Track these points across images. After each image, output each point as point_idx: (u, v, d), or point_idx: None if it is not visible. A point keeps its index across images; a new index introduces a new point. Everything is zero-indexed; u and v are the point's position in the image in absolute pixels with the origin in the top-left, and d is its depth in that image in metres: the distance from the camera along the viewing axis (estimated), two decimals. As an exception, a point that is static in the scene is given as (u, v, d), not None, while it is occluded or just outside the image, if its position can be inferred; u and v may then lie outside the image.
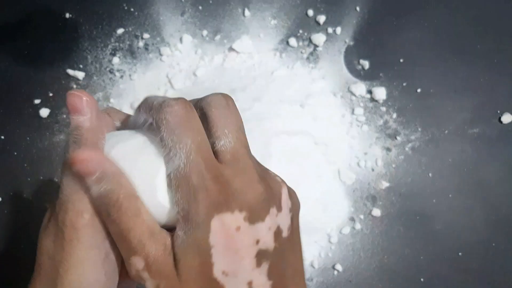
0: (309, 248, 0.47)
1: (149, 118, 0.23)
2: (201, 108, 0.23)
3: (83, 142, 0.22)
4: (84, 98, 0.23)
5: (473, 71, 0.51)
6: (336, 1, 0.52)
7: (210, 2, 0.52)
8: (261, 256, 0.22)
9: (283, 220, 0.23)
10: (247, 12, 0.51)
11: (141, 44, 0.51)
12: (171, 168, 0.21)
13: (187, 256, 0.21)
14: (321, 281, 0.47)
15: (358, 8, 0.51)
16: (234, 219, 0.21)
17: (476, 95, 0.50)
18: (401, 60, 0.51)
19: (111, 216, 0.21)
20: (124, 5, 0.51)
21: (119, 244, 0.22)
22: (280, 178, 0.25)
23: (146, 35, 0.51)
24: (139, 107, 0.24)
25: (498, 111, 0.50)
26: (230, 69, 0.50)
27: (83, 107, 0.23)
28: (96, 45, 0.50)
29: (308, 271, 0.47)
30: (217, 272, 0.21)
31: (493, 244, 0.47)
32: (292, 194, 0.25)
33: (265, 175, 0.23)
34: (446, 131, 0.50)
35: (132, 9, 0.51)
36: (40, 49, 0.50)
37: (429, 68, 0.51)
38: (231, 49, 0.51)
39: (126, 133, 0.25)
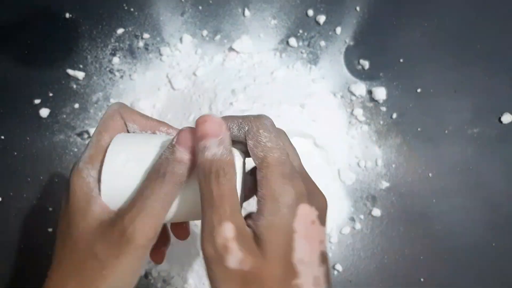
0: None
1: (244, 125, 0.24)
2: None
3: (179, 178, 0.24)
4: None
5: (473, 71, 0.51)
6: (336, 1, 0.52)
7: (210, 2, 0.52)
8: (322, 257, 0.23)
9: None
10: (247, 12, 0.51)
11: (141, 44, 0.51)
12: (260, 159, 0.23)
13: (272, 236, 0.22)
14: (321, 281, 0.47)
15: (358, 8, 0.51)
16: (312, 212, 0.23)
17: (476, 95, 0.50)
18: (401, 60, 0.51)
19: (219, 178, 0.22)
20: (124, 5, 0.51)
21: (214, 209, 0.22)
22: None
23: (146, 35, 0.51)
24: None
25: (498, 111, 0.50)
26: (230, 69, 0.50)
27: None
28: (96, 45, 0.50)
29: (308, 271, 0.47)
30: (296, 258, 0.22)
31: (493, 244, 0.47)
32: None
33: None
34: (446, 131, 0.50)
35: (132, 9, 0.51)
36: (40, 49, 0.50)
37: (429, 68, 0.51)
38: (231, 49, 0.51)
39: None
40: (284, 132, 0.27)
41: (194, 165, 0.24)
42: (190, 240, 0.49)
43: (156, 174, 0.24)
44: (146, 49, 0.51)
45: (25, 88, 0.49)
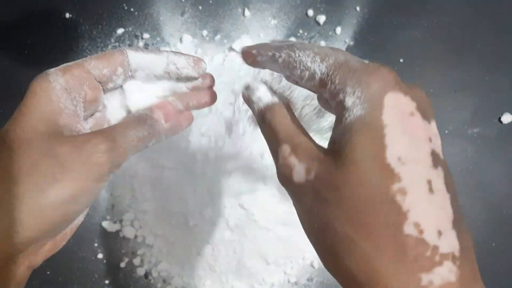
0: (309, 248, 0.47)
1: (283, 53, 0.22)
2: None
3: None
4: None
5: (473, 71, 0.51)
6: (336, 1, 0.52)
7: (210, 2, 0.52)
8: (435, 158, 0.18)
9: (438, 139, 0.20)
10: (247, 12, 0.51)
11: (141, 44, 0.51)
12: (323, 62, 0.20)
13: (356, 134, 0.18)
14: (321, 281, 0.47)
15: (358, 8, 0.51)
16: (408, 102, 0.18)
17: (476, 95, 0.50)
18: (401, 60, 0.51)
19: (265, 119, 0.24)
20: (124, 5, 0.51)
21: (270, 143, 0.23)
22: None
23: (146, 35, 0.51)
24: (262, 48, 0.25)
25: (498, 111, 0.50)
26: (230, 69, 0.50)
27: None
28: (96, 45, 0.50)
29: (308, 271, 0.47)
30: (391, 157, 0.17)
31: (493, 244, 0.47)
32: None
33: None
34: (446, 131, 0.50)
35: (132, 9, 0.51)
36: (40, 49, 0.50)
37: (429, 68, 0.51)
38: (231, 49, 0.51)
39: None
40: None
41: None
42: (190, 240, 0.49)
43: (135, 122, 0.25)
44: (146, 49, 0.51)
45: (25, 88, 0.49)
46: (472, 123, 0.50)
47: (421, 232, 0.17)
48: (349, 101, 0.18)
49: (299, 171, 0.20)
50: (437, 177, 0.17)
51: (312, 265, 0.47)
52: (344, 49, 0.51)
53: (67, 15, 0.51)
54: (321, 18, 0.51)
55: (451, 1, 0.52)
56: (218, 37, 0.51)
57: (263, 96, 0.25)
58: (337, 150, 0.19)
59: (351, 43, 0.51)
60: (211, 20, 0.52)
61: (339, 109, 0.19)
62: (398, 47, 0.51)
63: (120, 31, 0.50)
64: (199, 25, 0.51)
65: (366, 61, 0.20)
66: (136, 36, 0.51)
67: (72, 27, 0.51)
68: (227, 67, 0.50)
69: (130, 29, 0.51)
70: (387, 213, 0.17)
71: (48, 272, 0.45)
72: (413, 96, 0.18)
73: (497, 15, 0.52)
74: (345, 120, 0.18)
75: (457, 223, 0.18)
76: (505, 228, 0.48)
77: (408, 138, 0.17)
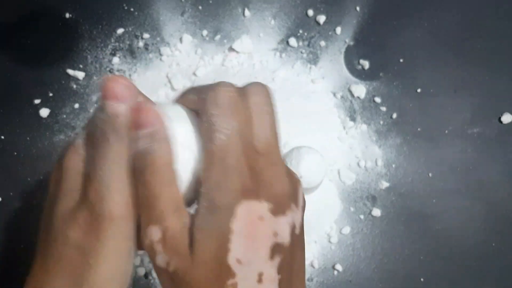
0: (309, 248, 0.47)
1: (195, 101, 0.23)
2: (242, 95, 0.24)
3: (125, 132, 0.22)
4: (125, 84, 0.22)
5: (473, 71, 0.51)
6: (336, 1, 0.52)
7: (210, 2, 0.52)
8: (275, 249, 0.21)
9: (298, 217, 0.23)
10: (247, 12, 0.51)
11: (141, 44, 0.51)
12: (207, 144, 0.22)
13: (205, 238, 0.21)
14: (321, 281, 0.47)
15: (358, 8, 0.51)
16: (260, 208, 0.21)
17: (476, 95, 0.50)
18: (401, 60, 0.51)
19: (144, 177, 0.21)
20: (124, 5, 0.51)
21: (142, 209, 0.21)
22: (296, 176, 0.25)
23: (146, 35, 0.51)
24: (184, 92, 0.25)
25: (498, 111, 0.50)
26: (230, 69, 0.50)
27: (124, 95, 0.22)
28: (96, 45, 0.50)
29: (308, 271, 0.47)
30: (231, 259, 0.20)
31: (493, 244, 0.47)
32: (302, 192, 0.25)
33: (288, 169, 0.24)
34: (446, 131, 0.50)
35: (132, 9, 0.51)
36: (40, 49, 0.50)
37: (429, 68, 0.51)
38: (231, 49, 0.51)
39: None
40: (262, 91, 0.24)
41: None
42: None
43: (96, 139, 0.22)
44: (146, 49, 0.51)
45: (25, 88, 0.49)
46: (472, 123, 0.50)
47: None
48: (206, 202, 0.21)
49: (161, 260, 0.21)
50: (271, 267, 0.21)
51: (312, 265, 0.47)
52: (344, 49, 0.51)
53: (67, 15, 0.51)
54: (321, 18, 0.51)
55: (451, 1, 0.52)
56: (218, 37, 0.51)
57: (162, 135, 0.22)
58: (192, 246, 0.21)
59: (351, 43, 0.51)
60: (211, 20, 0.52)
61: (199, 201, 0.21)
62: (398, 47, 0.51)
63: (120, 31, 0.50)
64: (199, 25, 0.51)
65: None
66: (136, 36, 0.51)
67: (72, 27, 0.51)
68: (227, 67, 0.50)
69: (130, 29, 0.51)
70: None
71: (48, 272, 0.45)
72: (269, 197, 0.21)
73: (497, 15, 0.52)
74: (202, 216, 0.21)
75: None
76: (505, 228, 0.48)
77: (250, 241, 0.21)
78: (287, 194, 0.22)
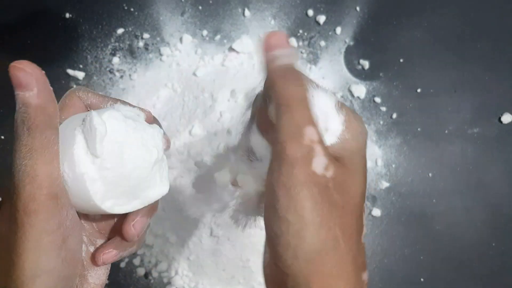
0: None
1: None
2: None
3: (32, 122, 0.21)
4: (29, 70, 0.21)
5: (473, 71, 0.51)
6: (336, 1, 0.52)
7: (210, 2, 0.52)
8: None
9: None
10: (247, 12, 0.51)
11: (141, 44, 0.51)
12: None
13: (353, 156, 0.22)
14: (321, 281, 0.47)
15: (358, 8, 0.51)
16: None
17: (476, 95, 0.50)
18: (401, 60, 0.51)
19: (295, 81, 0.21)
20: (124, 5, 0.51)
21: (295, 111, 0.21)
22: None
23: (146, 35, 0.51)
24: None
25: (498, 111, 0.50)
26: (230, 69, 0.50)
27: (27, 81, 0.21)
28: (96, 45, 0.50)
29: (308, 271, 0.47)
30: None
31: (493, 244, 0.47)
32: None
33: None
34: (446, 131, 0.50)
35: (132, 9, 0.51)
36: (40, 49, 0.50)
37: (429, 68, 0.51)
38: (231, 49, 0.51)
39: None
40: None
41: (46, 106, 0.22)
42: (192, 239, 0.49)
43: (16, 130, 0.21)
44: (146, 49, 0.51)
45: (25, 88, 0.49)
46: (472, 123, 0.50)
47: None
48: (351, 132, 0.22)
49: (321, 162, 0.20)
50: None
51: (312, 265, 0.47)
52: (344, 49, 0.51)
53: (67, 15, 0.51)
54: (321, 18, 0.51)
55: (451, 1, 0.52)
56: (218, 37, 0.51)
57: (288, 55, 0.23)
58: (341, 161, 0.21)
59: (351, 43, 0.51)
60: (211, 20, 0.52)
61: (343, 130, 0.22)
62: (398, 47, 0.51)
63: (120, 31, 0.50)
64: (199, 25, 0.51)
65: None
66: (136, 36, 0.51)
67: (72, 27, 0.51)
68: (227, 67, 0.50)
69: (130, 29, 0.51)
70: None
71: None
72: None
73: (497, 15, 0.52)
74: (347, 139, 0.22)
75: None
76: (505, 228, 0.48)
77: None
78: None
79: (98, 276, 0.26)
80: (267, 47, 0.22)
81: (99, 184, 0.22)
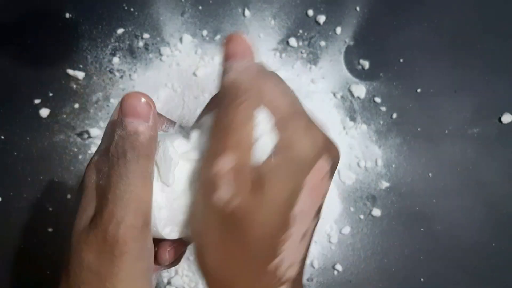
0: (309, 248, 0.47)
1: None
2: None
3: (144, 152, 0.21)
4: (146, 101, 0.21)
5: (473, 71, 0.51)
6: (336, 1, 0.52)
7: (210, 2, 0.52)
8: (318, 211, 0.22)
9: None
10: (247, 12, 0.51)
11: (141, 44, 0.51)
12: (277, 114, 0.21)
13: (278, 183, 0.20)
14: (321, 281, 0.47)
15: (358, 8, 0.51)
16: (325, 167, 0.21)
17: (476, 95, 0.50)
18: (401, 60, 0.51)
19: (237, 103, 0.20)
20: (124, 5, 0.51)
21: (223, 134, 0.20)
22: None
23: (146, 35, 0.51)
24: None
25: (498, 111, 0.50)
26: (230, 69, 0.50)
27: (145, 113, 0.21)
28: (96, 45, 0.50)
29: (308, 271, 0.47)
30: (294, 211, 0.21)
31: (493, 244, 0.47)
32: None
33: None
34: (446, 131, 0.50)
35: (132, 9, 0.51)
36: (40, 49, 0.50)
37: (429, 68, 0.51)
38: (231, 49, 0.51)
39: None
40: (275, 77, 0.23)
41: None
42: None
43: (116, 157, 0.21)
44: (146, 49, 0.51)
45: (25, 88, 0.49)
46: (472, 123, 0.50)
47: (279, 266, 0.21)
48: (287, 153, 0.21)
49: (226, 192, 0.20)
50: (312, 227, 0.22)
51: (312, 265, 0.47)
52: (344, 49, 0.51)
53: (67, 15, 0.51)
54: (321, 18, 0.51)
55: (451, 1, 0.52)
56: (218, 37, 0.51)
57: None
58: (261, 187, 0.20)
59: (351, 43, 0.51)
60: (211, 20, 0.52)
61: (278, 148, 0.21)
62: (398, 47, 0.51)
63: (120, 31, 0.50)
64: (199, 25, 0.51)
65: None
66: (136, 36, 0.51)
67: (72, 27, 0.51)
68: (227, 67, 0.50)
69: (130, 29, 0.51)
70: (266, 250, 0.21)
71: (48, 272, 0.45)
72: (331, 158, 0.22)
73: (497, 15, 0.52)
74: (279, 162, 0.20)
75: (303, 259, 0.23)
76: (505, 228, 0.48)
77: (311, 197, 0.21)
78: (338, 160, 0.23)
79: None
80: (225, 55, 0.21)
81: (164, 211, 0.23)
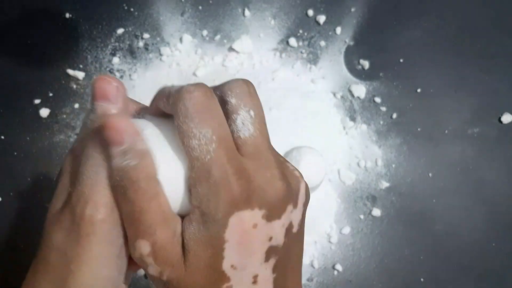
0: (309, 248, 0.47)
1: (167, 106, 0.22)
2: (220, 95, 0.23)
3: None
4: (115, 84, 0.21)
5: (473, 71, 0.51)
6: (336, 1, 0.52)
7: (210, 2, 0.52)
8: (270, 252, 0.21)
9: (296, 216, 0.23)
10: (247, 12, 0.51)
11: (141, 44, 0.51)
12: (190, 159, 0.20)
13: (198, 248, 0.20)
14: (321, 281, 0.47)
15: (358, 8, 0.51)
16: (253, 216, 0.20)
17: (476, 95, 0.50)
18: (401, 60, 0.51)
19: (127, 195, 0.20)
20: (124, 5, 0.51)
21: (128, 225, 0.20)
22: (298, 172, 0.24)
23: (146, 35, 0.51)
24: (155, 96, 0.23)
25: (498, 111, 0.50)
26: (230, 69, 0.50)
27: (113, 95, 0.21)
28: (96, 45, 0.50)
29: (308, 271, 0.47)
30: (226, 265, 0.20)
31: (493, 244, 0.47)
32: (306, 188, 0.24)
33: (284, 170, 0.23)
34: (446, 131, 0.50)
35: (132, 9, 0.51)
36: (40, 49, 0.50)
37: (429, 68, 0.51)
38: (231, 49, 0.51)
39: (152, 119, 0.24)
40: (240, 87, 0.23)
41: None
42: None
43: (86, 140, 0.21)
44: (146, 49, 0.51)
45: (25, 88, 0.49)
46: (472, 123, 0.50)
47: None
48: (198, 214, 0.20)
49: (153, 270, 0.21)
50: (266, 269, 0.21)
51: (312, 265, 0.47)
52: (344, 49, 0.51)
53: (67, 15, 0.51)
54: (321, 18, 0.51)
55: (451, 1, 0.52)
56: (218, 37, 0.51)
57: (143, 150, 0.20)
58: (186, 255, 0.21)
59: (351, 43, 0.51)
60: (211, 20, 0.52)
61: (191, 211, 0.21)
62: (398, 47, 0.51)
63: (120, 31, 0.50)
64: (199, 25, 0.51)
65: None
66: (136, 36, 0.51)
67: (72, 27, 0.51)
68: (227, 67, 0.50)
69: (130, 29, 0.51)
70: None
71: (48, 272, 0.45)
72: (262, 203, 0.21)
73: (497, 15, 0.52)
74: (194, 226, 0.20)
75: None
76: (505, 228, 0.48)
77: (244, 247, 0.20)
78: (282, 198, 0.21)
79: None
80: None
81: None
